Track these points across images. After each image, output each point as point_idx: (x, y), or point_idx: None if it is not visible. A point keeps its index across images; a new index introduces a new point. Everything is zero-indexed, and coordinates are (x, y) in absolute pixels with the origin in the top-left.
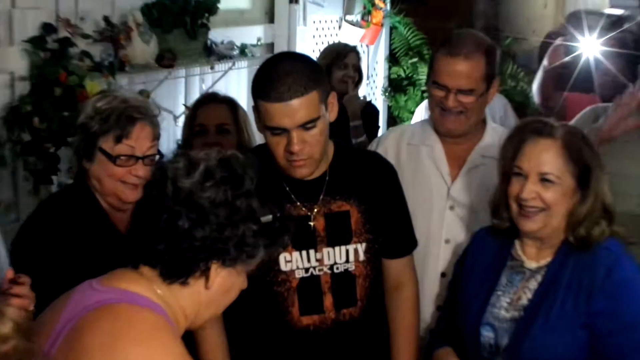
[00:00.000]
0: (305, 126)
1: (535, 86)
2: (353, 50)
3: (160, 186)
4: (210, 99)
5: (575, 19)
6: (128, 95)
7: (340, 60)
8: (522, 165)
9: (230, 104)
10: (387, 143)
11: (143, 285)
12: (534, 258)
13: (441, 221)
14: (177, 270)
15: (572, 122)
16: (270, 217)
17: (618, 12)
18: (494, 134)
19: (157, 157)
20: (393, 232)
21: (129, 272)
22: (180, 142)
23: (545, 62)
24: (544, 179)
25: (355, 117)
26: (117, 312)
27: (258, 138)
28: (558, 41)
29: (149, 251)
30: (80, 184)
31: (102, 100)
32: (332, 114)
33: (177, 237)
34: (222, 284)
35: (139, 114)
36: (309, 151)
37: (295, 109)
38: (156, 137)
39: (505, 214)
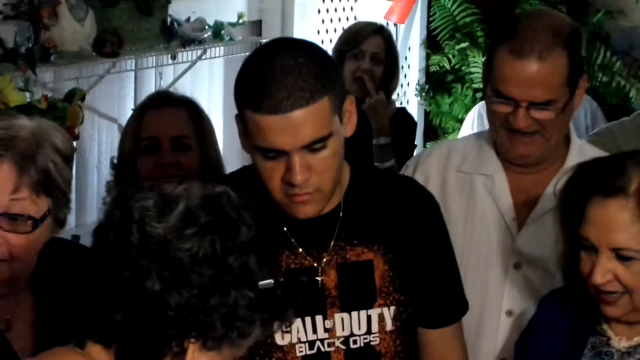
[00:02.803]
0: (312, 147)
1: None
2: (376, 31)
3: (121, 231)
4: (163, 102)
5: None
6: None
7: (354, 46)
8: (589, 237)
9: (190, 108)
10: (429, 166)
11: None
12: (624, 334)
13: (502, 284)
14: (140, 351)
15: None
16: (271, 281)
17: None
18: (581, 156)
19: (31, 221)
20: (434, 291)
21: (71, 353)
22: (115, 161)
23: None
24: (620, 256)
25: (382, 132)
26: None
27: (226, 154)
28: None
29: (101, 323)
30: None
31: None
32: (349, 127)
33: (143, 304)
34: None
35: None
36: (316, 182)
37: (298, 123)
38: (28, 184)
39: (579, 282)
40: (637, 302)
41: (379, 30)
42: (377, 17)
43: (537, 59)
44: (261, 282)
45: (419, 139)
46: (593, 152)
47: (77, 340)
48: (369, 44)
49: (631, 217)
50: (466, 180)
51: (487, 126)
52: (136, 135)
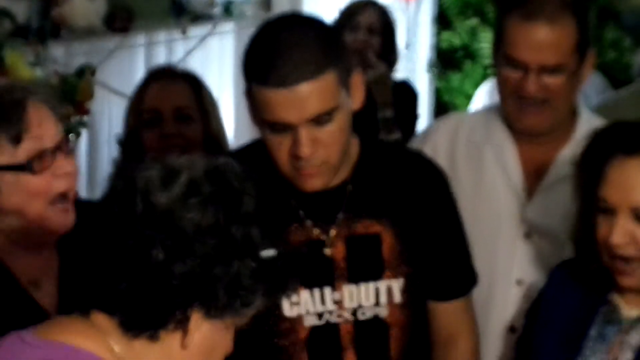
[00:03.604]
0: (318, 120)
1: None
2: (370, 3)
3: (125, 202)
4: (164, 75)
5: None
6: None
7: (351, 19)
8: (608, 198)
9: (191, 81)
10: (438, 138)
11: (95, 339)
12: (635, 303)
13: (512, 254)
14: (144, 320)
15: None
16: (272, 252)
17: None
18: (590, 127)
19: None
20: (442, 264)
21: (76, 322)
22: (121, 136)
23: None
24: (639, 217)
25: (387, 104)
26: None
27: (238, 129)
28: None
29: (105, 292)
30: None
31: None
32: (356, 101)
33: (148, 273)
34: (203, 342)
35: (26, 93)
36: (323, 155)
37: (305, 96)
38: (55, 111)
39: (591, 251)
40: None
41: (372, 3)
42: None
43: (547, 22)
44: (263, 253)
45: (429, 117)
46: (601, 123)
47: (81, 308)
48: (363, 17)
49: None
50: (475, 150)
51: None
52: (139, 108)
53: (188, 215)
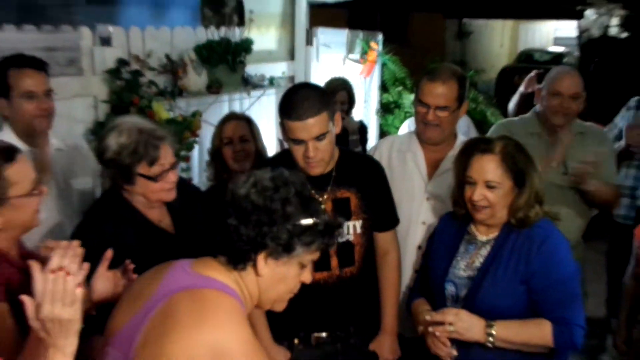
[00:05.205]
0: (318, 138)
1: (511, 105)
2: (343, 88)
3: (223, 193)
4: (235, 117)
5: (525, 56)
6: (138, 122)
7: (332, 90)
8: (472, 175)
9: (247, 120)
10: (381, 149)
11: (222, 273)
12: (484, 233)
13: (420, 208)
14: (234, 260)
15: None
16: (311, 220)
17: (560, 49)
18: (462, 142)
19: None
20: (381, 213)
21: (211, 261)
22: (211, 149)
23: (521, 88)
24: (488, 185)
25: (353, 133)
26: (204, 298)
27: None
28: (533, 72)
29: (218, 244)
30: (114, 193)
31: (121, 136)
32: (337, 128)
33: (230, 233)
34: (271, 272)
35: (156, 139)
36: (320, 156)
37: (311, 125)
38: (172, 146)
39: (461, 205)
40: (494, 212)
41: (345, 86)
42: (354, 73)
43: (442, 83)
44: (303, 220)
45: (375, 139)
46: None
47: (213, 253)
48: (339, 96)
49: (496, 165)
50: (402, 154)
51: (412, 130)
52: (221, 135)
53: (249, 199)
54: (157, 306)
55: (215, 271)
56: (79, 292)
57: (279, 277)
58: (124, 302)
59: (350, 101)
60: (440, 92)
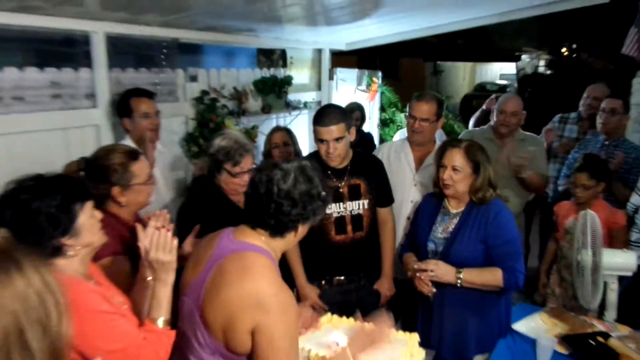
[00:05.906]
0: (337, 140)
1: (472, 120)
2: (357, 109)
3: (268, 187)
4: (279, 129)
5: (480, 87)
6: (238, 136)
7: (351, 110)
8: (444, 162)
9: (288, 131)
10: (382, 151)
11: (259, 239)
12: (455, 207)
13: (409, 191)
14: (280, 232)
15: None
16: (325, 194)
17: (504, 82)
18: (439, 145)
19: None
20: (382, 194)
21: (250, 231)
22: (263, 152)
23: (484, 106)
24: (454, 169)
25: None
26: (246, 258)
27: (309, 148)
28: (493, 96)
29: (263, 223)
30: (203, 180)
31: (223, 140)
32: (352, 137)
33: (283, 215)
34: (301, 233)
35: (244, 150)
36: (337, 152)
37: (332, 130)
38: (253, 158)
39: (439, 186)
40: (457, 189)
41: (359, 108)
42: (363, 99)
43: (425, 102)
44: (323, 195)
45: (378, 143)
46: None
47: (251, 226)
48: (355, 114)
49: (460, 155)
50: (397, 154)
51: (403, 137)
52: (269, 142)
53: (296, 191)
54: (213, 266)
55: (251, 237)
56: (175, 242)
57: (302, 235)
58: (191, 262)
59: (362, 118)
60: (424, 108)
